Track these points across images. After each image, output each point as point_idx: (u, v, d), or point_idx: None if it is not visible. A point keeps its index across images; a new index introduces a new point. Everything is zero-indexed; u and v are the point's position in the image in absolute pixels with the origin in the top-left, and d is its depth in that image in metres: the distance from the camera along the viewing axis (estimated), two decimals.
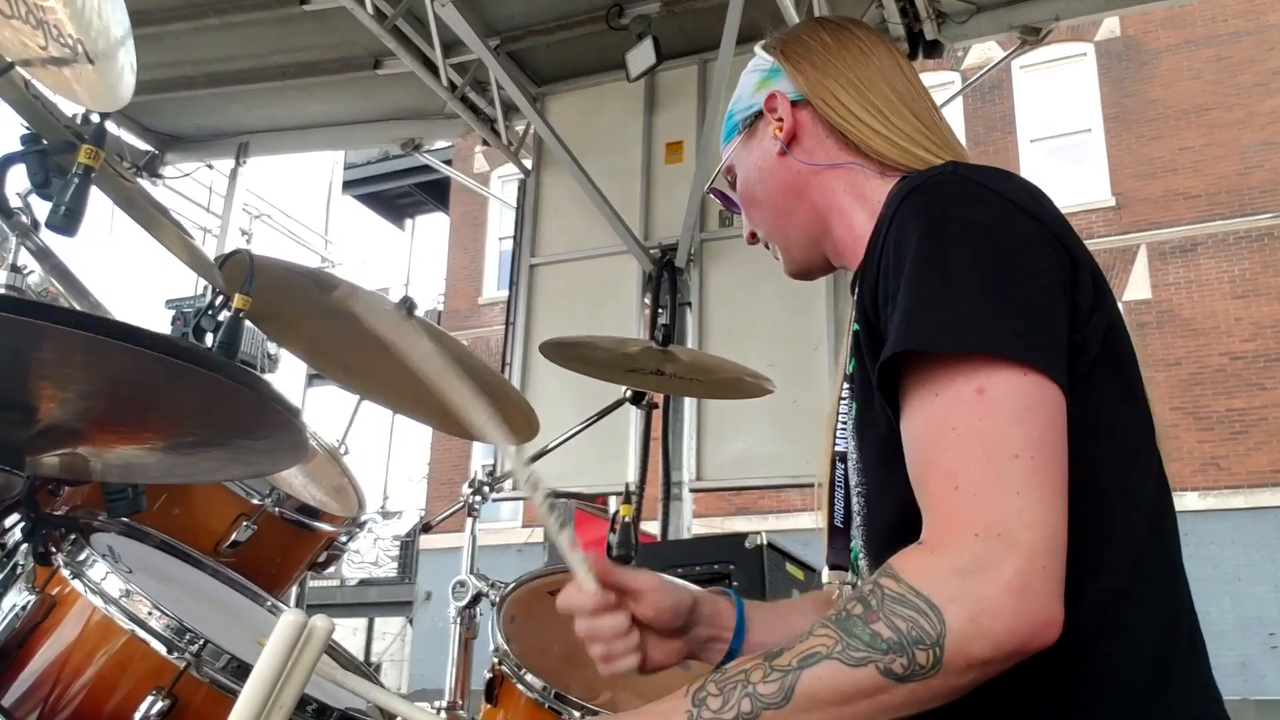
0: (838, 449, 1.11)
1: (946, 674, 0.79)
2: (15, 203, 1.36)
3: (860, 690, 0.80)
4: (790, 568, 3.09)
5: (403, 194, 20.39)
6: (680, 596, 1.11)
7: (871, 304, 0.94)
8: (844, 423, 1.09)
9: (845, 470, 1.09)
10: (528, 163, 4.98)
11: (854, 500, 1.07)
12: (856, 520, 1.07)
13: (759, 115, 1.18)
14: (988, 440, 0.83)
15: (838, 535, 1.13)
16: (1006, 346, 0.85)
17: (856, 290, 1.02)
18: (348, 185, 18.74)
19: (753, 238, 1.26)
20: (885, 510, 0.98)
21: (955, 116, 12.98)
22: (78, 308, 1.53)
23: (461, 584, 1.93)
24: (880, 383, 0.91)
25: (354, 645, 16.22)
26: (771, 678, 0.83)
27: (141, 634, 1.23)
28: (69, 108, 1.48)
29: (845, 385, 1.09)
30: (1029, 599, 0.79)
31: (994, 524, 0.80)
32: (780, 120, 1.15)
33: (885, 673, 0.79)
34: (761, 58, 1.21)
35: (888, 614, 0.81)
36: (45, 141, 1.30)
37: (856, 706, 0.81)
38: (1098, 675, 0.87)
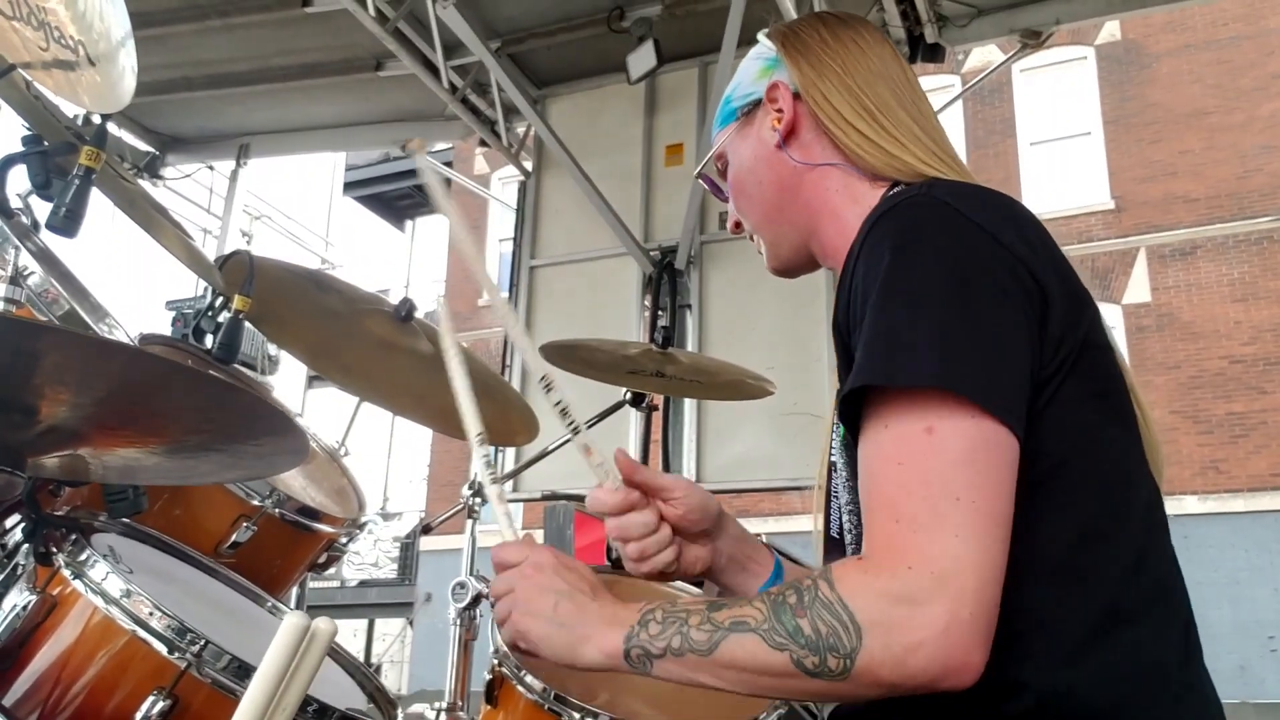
0: (832, 459, 1.10)
1: (853, 684, 0.83)
2: (16, 204, 1.36)
3: (772, 670, 0.86)
4: None
5: (403, 195, 20.40)
6: (708, 498, 1.12)
7: (844, 325, 0.96)
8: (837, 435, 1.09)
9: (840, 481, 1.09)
10: (528, 165, 4.98)
11: (845, 516, 1.07)
12: (848, 537, 1.07)
13: (758, 104, 1.17)
14: (930, 479, 0.85)
15: (833, 546, 1.12)
16: (960, 385, 0.86)
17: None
18: (348, 187, 18.77)
19: (737, 227, 1.24)
20: None
21: (955, 120, 12.97)
22: (78, 308, 1.54)
23: (461, 585, 1.93)
24: (843, 414, 0.94)
25: (354, 646, 16.22)
26: (704, 627, 0.89)
27: (142, 634, 1.23)
28: (70, 109, 1.48)
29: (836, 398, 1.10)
30: (949, 642, 0.81)
31: (929, 560, 0.83)
32: (780, 111, 1.14)
33: (797, 664, 0.85)
34: (764, 45, 1.19)
35: (814, 614, 0.85)
36: (46, 143, 1.30)
37: (766, 681, 0.87)
38: (1096, 683, 0.87)
